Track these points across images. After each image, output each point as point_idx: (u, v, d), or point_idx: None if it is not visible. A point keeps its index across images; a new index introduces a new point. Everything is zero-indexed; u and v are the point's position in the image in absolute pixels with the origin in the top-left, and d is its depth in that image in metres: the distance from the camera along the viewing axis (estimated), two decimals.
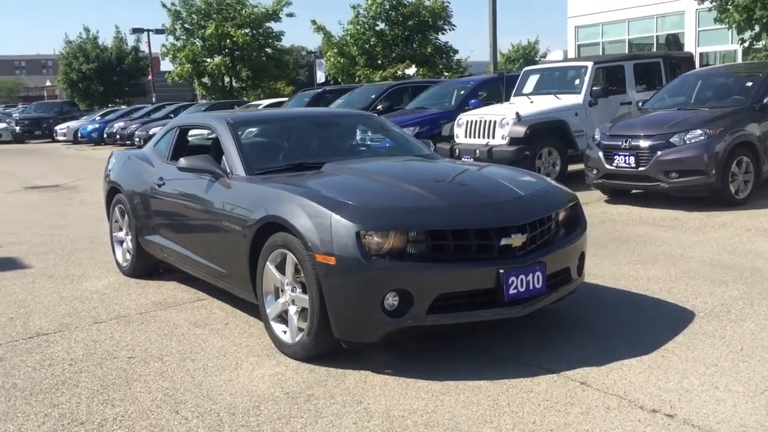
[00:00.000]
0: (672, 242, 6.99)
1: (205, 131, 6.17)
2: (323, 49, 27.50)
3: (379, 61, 25.19)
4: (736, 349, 4.14)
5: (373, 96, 15.85)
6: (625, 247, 6.89)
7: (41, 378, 4.07)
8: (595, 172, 9.41)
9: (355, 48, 25.27)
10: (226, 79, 31.02)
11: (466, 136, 11.47)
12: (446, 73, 26.27)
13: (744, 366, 3.90)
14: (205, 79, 30.49)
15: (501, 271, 3.92)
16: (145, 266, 6.25)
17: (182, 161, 5.09)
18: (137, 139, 24.56)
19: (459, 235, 3.95)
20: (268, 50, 30.87)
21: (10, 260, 7.37)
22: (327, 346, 4.07)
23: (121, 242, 6.53)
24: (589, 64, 11.57)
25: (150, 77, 44.80)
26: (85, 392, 3.84)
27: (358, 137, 5.93)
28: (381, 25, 25.59)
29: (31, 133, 36.15)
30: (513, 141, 10.71)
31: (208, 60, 30.13)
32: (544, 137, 10.86)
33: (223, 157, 5.09)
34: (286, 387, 3.83)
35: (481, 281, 3.94)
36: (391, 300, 3.82)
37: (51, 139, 34.51)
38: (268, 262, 4.33)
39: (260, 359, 4.25)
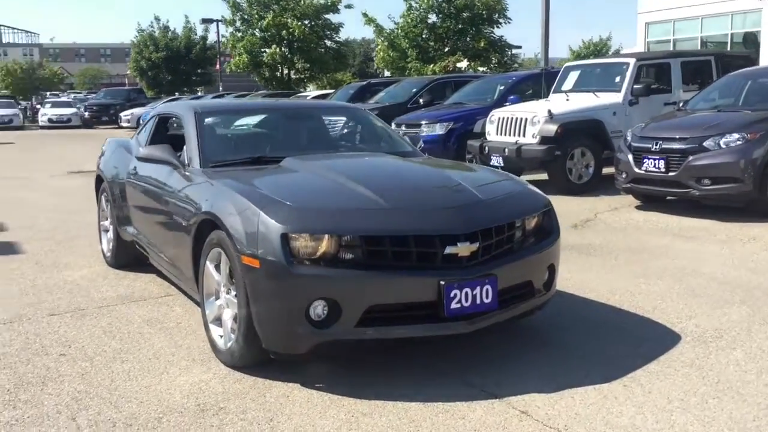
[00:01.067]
0: (689, 255, 6.44)
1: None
2: (376, 42, 27.26)
3: (431, 55, 24.70)
4: (712, 382, 3.66)
5: (414, 90, 15.48)
6: (637, 258, 6.37)
7: None
8: (624, 175, 8.84)
9: (405, 41, 24.89)
10: (284, 70, 31.04)
11: (497, 134, 11.01)
12: (516, 66, 25.63)
13: (713, 403, 3.43)
14: (263, 70, 30.63)
15: (442, 282, 3.55)
16: (126, 257, 6.09)
17: (141, 151, 4.89)
18: None
19: (398, 242, 3.60)
20: (327, 42, 30.78)
21: (8, 245, 7.35)
22: (255, 355, 3.77)
23: (107, 231, 6.40)
24: (632, 61, 10.93)
25: (217, 67, 45.43)
26: None
27: (336, 131, 5.61)
28: (433, 18, 25.13)
29: (99, 119, 37.10)
30: (543, 140, 10.20)
31: (266, 51, 30.22)
32: (577, 137, 10.31)
33: (185, 147, 4.87)
34: (202, 397, 3.56)
35: (420, 293, 3.58)
36: (319, 310, 3.51)
37: (117, 125, 35.28)
38: (207, 261, 4.07)
39: (192, 364, 4.00)
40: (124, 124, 33.96)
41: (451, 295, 3.57)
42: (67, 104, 39.44)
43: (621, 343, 4.26)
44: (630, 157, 8.67)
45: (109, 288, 5.63)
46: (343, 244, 3.57)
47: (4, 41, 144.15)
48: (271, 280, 3.52)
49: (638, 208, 9.01)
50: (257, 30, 30.18)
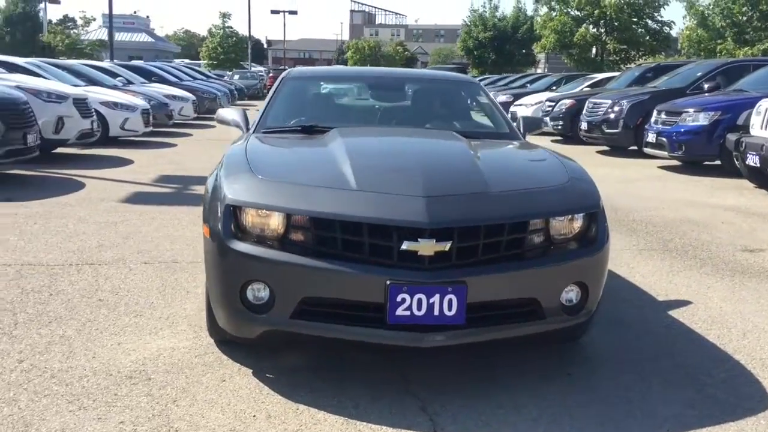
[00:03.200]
0: None
1: None
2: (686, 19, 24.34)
3: (749, 36, 21.33)
4: None
5: (699, 74, 13.59)
6: None
7: (8, 299, 4.26)
8: None
9: (720, 18, 21.76)
10: (596, 51, 29.50)
11: (761, 128, 9.16)
12: None
13: None
14: (573, 51, 29.44)
15: (388, 282, 2.98)
16: None
17: (218, 112, 4.89)
18: None
19: (350, 229, 3.08)
20: (648, 21, 28.49)
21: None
22: (218, 331, 3.53)
23: None
24: None
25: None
26: (5, 322, 3.92)
27: (429, 104, 5.06)
28: None
29: None
30: None
31: (577, 30, 28.94)
32: None
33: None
34: (148, 365, 3.43)
35: (364, 292, 3.04)
36: (259, 293, 3.16)
37: None
38: None
39: (187, 330, 3.90)
40: None
41: (398, 299, 2.98)
42: None
43: (676, 399, 3.22)
44: None
45: None
46: (292, 225, 3.17)
47: (377, 22, 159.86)
48: (213, 254, 3.27)
49: None
50: (571, 8, 28.99)
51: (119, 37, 74.73)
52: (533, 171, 3.71)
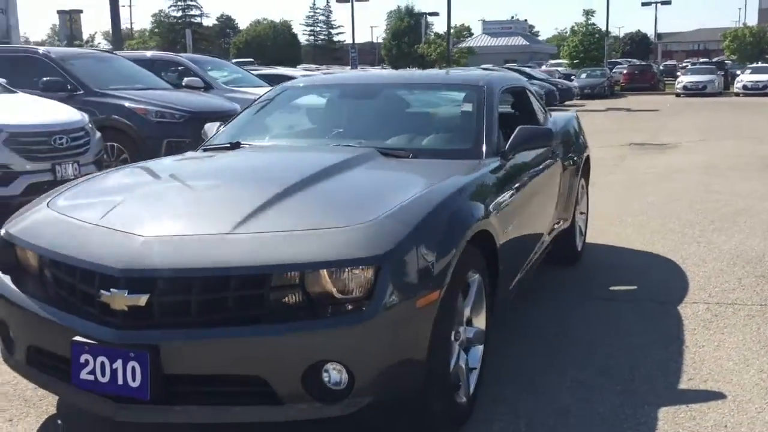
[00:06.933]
0: None
1: None
2: None
3: None
4: None
5: None
6: None
7: None
8: None
9: None
10: None
11: None
12: None
13: None
14: None
15: (73, 339, 2.47)
16: None
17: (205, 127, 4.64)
18: None
19: (69, 272, 2.65)
20: None
21: None
22: None
23: None
24: None
25: None
26: None
27: (401, 116, 4.17)
28: None
29: None
30: None
31: None
32: None
33: None
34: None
35: (58, 345, 2.59)
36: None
37: None
38: None
39: None
40: None
41: (81, 360, 2.47)
42: (766, 70, 36.46)
43: None
44: None
45: None
46: (42, 264, 2.81)
47: None
48: None
49: None
50: None
51: (497, 41, 77.89)
52: (342, 205, 2.83)
